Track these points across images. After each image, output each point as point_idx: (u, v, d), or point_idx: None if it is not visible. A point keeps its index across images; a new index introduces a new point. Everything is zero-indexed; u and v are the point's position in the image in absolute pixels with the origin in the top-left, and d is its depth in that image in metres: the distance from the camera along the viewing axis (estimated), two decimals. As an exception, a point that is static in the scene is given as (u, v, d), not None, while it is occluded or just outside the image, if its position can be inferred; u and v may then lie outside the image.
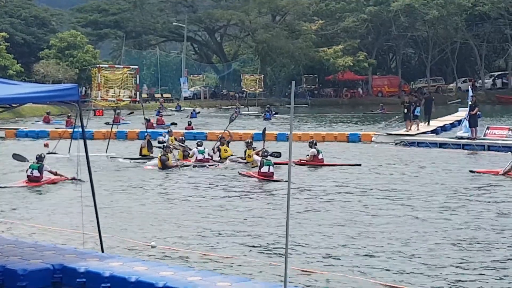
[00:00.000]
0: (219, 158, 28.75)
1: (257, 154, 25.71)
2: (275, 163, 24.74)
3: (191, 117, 55.18)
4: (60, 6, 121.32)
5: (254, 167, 25.59)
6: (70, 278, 11.17)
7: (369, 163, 28.60)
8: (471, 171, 25.36)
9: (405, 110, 39.81)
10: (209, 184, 23.57)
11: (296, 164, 27.17)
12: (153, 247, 14.40)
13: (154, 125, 45.54)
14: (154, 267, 11.29)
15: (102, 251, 12.59)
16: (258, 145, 28.35)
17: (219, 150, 29.22)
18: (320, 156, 27.93)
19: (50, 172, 23.47)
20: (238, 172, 25.17)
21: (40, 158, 23.35)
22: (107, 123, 38.21)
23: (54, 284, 11.23)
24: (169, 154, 27.19)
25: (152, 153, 30.07)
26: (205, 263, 13.26)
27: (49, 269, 11.27)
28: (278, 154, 25.52)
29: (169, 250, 14.23)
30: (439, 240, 15.12)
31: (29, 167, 23.14)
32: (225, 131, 32.59)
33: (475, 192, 21.60)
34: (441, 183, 23.41)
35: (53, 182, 23.37)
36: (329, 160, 28.72)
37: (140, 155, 30.50)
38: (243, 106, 69.89)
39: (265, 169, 23.50)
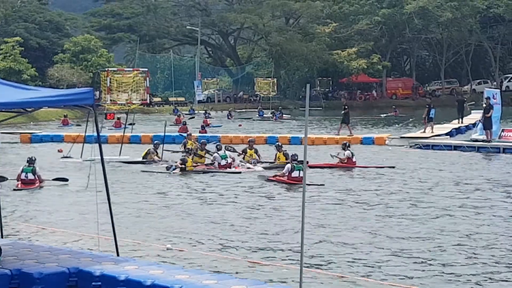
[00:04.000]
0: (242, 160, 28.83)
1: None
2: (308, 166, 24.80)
3: (205, 117, 56.98)
4: (74, 11, 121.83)
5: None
6: (85, 281, 11.18)
7: (400, 166, 28.58)
8: None
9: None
10: (232, 188, 23.51)
11: (329, 168, 27.70)
12: (168, 249, 14.42)
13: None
14: (170, 270, 11.29)
15: (118, 254, 12.60)
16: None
17: (245, 153, 29.26)
18: (354, 159, 28.10)
19: (39, 176, 23.77)
20: (267, 178, 24.97)
21: (31, 161, 23.71)
22: (131, 124, 38.68)
23: (69, 287, 11.26)
24: (189, 157, 27.16)
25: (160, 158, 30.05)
26: (221, 265, 13.26)
27: (64, 272, 11.28)
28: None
29: (185, 253, 14.23)
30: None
31: (22, 171, 23.42)
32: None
33: None
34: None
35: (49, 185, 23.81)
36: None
37: (143, 158, 30.41)
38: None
39: (295, 173, 23.45)
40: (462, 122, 46.43)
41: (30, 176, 23.31)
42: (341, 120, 42.77)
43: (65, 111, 57.56)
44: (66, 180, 24.43)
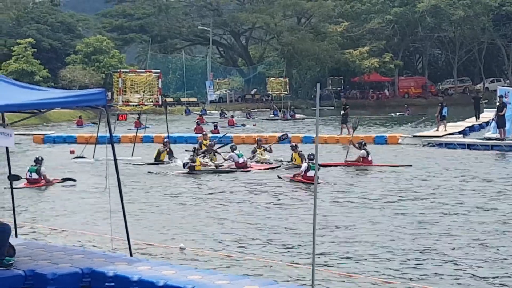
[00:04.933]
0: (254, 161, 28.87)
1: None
2: (322, 165, 24.74)
3: (220, 116, 59.74)
4: (86, 12, 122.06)
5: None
6: (99, 282, 11.22)
7: (416, 165, 28.47)
8: None
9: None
10: (245, 187, 23.52)
11: (346, 166, 27.77)
12: (181, 249, 14.44)
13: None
14: (182, 270, 11.31)
15: (131, 254, 12.63)
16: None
17: (254, 152, 29.39)
18: (369, 158, 28.12)
19: (44, 176, 23.99)
20: (278, 176, 25.00)
21: (37, 161, 24.01)
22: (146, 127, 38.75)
23: (83, 288, 11.31)
24: (197, 158, 27.22)
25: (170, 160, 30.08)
26: (233, 266, 13.27)
27: (78, 273, 11.32)
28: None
29: (197, 253, 14.25)
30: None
31: (28, 170, 23.66)
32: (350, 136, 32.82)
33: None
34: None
35: (51, 184, 23.96)
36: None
37: (156, 160, 30.47)
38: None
39: (311, 173, 23.43)
40: (479, 119, 46.55)
41: (34, 175, 23.61)
42: (340, 120, 42.15)
43: (78, 112, 57.79)
44: (74, 180, 24.56)
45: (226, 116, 64.08)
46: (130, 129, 45.76)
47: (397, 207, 19.26)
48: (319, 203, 19.04)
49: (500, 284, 12.18)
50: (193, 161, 26.94)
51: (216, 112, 70.54)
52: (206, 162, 27.99)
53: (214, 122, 47.73)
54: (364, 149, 28.23)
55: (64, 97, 12.41)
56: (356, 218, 17.77)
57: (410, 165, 28.01)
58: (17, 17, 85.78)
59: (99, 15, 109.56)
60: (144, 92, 36.28)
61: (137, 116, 45.35)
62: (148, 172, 27.48)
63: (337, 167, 27.67)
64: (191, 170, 26.71)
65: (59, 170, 27.87)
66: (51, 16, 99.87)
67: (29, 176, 23.61)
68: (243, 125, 55.32)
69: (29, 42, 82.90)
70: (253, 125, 56.63)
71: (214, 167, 27.82)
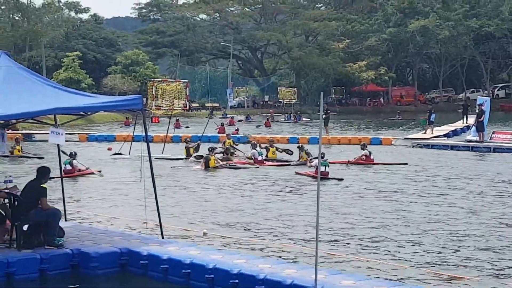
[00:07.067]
0: (265, 157, 28.80)
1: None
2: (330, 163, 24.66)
3: (246, 119, 62.18)
4: (125, 29, 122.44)
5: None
6: (135, 260, 11.28)
7: (411, 162, 28.37)
8: None
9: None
10: (263, 181, 23.39)
11: (351, 164, 27.63)
12: (204, 233, 14.45)
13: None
14: (206, 251, 11.36)
15: (162, 237, 12.68)
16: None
17: (267, 150, 29.30)
18: (371, 157, 27.99)
19: (76, 167, 24.59)
20: (296, 172, 24.93)
21: (71, 155, 24.63)
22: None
23: (121, 265, 11.34)
24: (212, 155, 27.09)
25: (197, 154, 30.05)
26: (251, 249, 13.26)
27: (117, 252, 11.39)
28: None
29: (219, 237, 14.27)
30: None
31: (63, 163, 23.77)
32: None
33: None
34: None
35: (83, 175, 24.36)
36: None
37: (187, 155, 30.41)
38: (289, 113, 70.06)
39: (321, 169, 23.37)
40: (466, 123, 46.19)
41: (68, 167, 23.98)
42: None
43: (117, 114, 57.77)
44: (99, 171, 24.86)
45: (251, 119, 64.39)
46: (172, 129, 45.79)
47: (400, 198, 19.25)
48: (330, 194, 19.16)
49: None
50: (208, 159, 26.81)
51: (237, 116, 70.41)
52: (219, 159, 27.73)
53: (245, 117, 46.95)
54: (366, 150, 28.18)
55: (107, 101, 12.48)
56: (363, 207, 17.77)
57: (406, 163, 27.86)
58: (67, 33, 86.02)
59: (136, 32, 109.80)
60: (173, 98, 36.21)
61: (176, 118, 45.60)
62: (171, 167, 27.45)
63: (342, 165, 27.52)
64: (206, 166, 26.60)
65: (98, 163, 27.95)
66: (95, 32, 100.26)
67: (64, 167, 23.68)
68: (258, 126, 55.18)
69: (77, 54, 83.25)
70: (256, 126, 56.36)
71: (226, 163, 27.52)
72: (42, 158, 29.70)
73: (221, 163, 27.11)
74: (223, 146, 31.44)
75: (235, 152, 30.58)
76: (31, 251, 11.27)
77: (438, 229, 14.98)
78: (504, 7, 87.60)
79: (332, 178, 23.05)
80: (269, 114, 68.25)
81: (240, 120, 63.08)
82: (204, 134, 35.89)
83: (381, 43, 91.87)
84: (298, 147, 29.09)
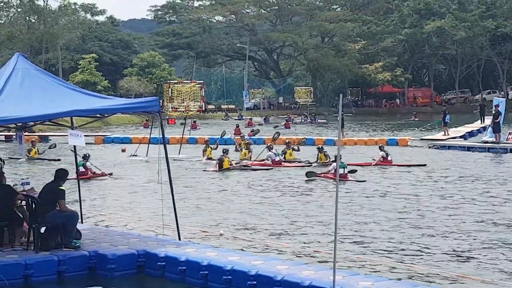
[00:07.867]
0: (283, 159, 28.71)
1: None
2: (349, 164, 24.62)
3: (264, 122, 62.91)
4: (141, 31, 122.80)
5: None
6: (152, 262, 11.26)
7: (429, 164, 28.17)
8: None
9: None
10: (278, 182, 23.31)
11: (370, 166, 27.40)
12: (221, 235, 14.42)
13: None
14: (223, 252, 11.32)
15: (179, 238, 12.66)
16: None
17: (284, 153, 29.24)
18: (389, 158, 27.88)
19: (89, 169, 24.66)
20: (316, 174, 24.82)
21: (84, 157, 24.61)
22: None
23: (138, 267, 11.33)
24: (226, 157, 26.95)
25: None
26: (267, 250, 13.20)
27: (134, 254, 11.37)
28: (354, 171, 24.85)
29: (235, 238, 14.23)
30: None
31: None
32: None
33: None
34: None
35: (95, 177, 24.39)
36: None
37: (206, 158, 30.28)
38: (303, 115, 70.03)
39: (340, 171, 23.23)
40: (484, 122, 46.15)
41: (82, 169, 23.76)
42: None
43: (133, 117, 57.90)
44: (111, 174, 24.94)
45: (269, 121, 64.39)
46: (188, 130, 45.82)
47: (418, 200, 19.11)
48: (348, 196, 19.09)
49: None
50: (222, 160, 26.74)
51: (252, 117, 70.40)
52: (232, 161, 27.59)
53: (263, 119, 47.13)
54: (384, 151, 28.04)
55: (124, 103, 12.48)
56: (381, 208, 17.68)
57: (425, 165, 27.64)
58: (83, 36, 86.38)
59: (152, 34, 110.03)
60: (189, 100, 36.25)
61: (193, 120, 45.72)
62: (186, 168, 27.43)
63: (362, 167, 27.29)
64: (220, 168, 26.53)
65: (114, 166, 27.99)
66: (111, 35, 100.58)
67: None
68: (276, 126, 55.16)
69: (93, 57, 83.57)
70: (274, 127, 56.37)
71: (240, 165, 27.39)
72: (59, 160, 29.81)
73: (234, 164, 27.07)
74: (238, 147, 31.39)
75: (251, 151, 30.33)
76: (48, 253, 11.28)
77: (458, 232, 14.85)
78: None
79: (354, 181, 22.89)
80: (288, 116, 68.06)
81: (261, 124, 62.93)
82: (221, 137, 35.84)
83: (397, 44, 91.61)
84: (318, 148, 29.05)
